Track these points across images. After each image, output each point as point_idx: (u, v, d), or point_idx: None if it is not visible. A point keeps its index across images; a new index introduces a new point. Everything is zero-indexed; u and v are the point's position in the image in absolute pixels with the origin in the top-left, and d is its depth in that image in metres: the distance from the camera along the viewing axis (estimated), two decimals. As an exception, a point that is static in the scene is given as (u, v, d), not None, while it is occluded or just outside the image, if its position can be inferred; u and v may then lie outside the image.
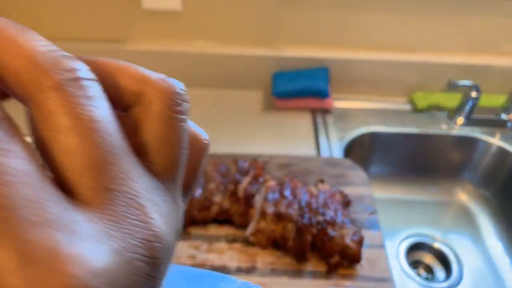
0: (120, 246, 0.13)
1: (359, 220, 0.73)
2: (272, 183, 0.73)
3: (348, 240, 0.64)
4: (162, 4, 0.96)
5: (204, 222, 0.72)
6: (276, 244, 0.68)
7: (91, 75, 0.14)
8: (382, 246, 0.68)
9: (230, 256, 0.67)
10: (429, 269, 0.94)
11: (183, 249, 0.67)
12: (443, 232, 0.99)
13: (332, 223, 0.66)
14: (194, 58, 1.04)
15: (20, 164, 0.12)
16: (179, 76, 1.01)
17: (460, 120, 1.02)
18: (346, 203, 0.74)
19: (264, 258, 0.66)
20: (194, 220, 0.71)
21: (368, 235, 0.69)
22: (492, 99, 1.06)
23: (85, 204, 0.13)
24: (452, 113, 1.03)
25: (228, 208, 0.71)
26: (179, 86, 0.17)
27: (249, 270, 0.65)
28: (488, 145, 1.00)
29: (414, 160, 1.05)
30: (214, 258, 0.66)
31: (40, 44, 0.13)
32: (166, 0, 0.96)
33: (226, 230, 0.71)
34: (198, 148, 0.18)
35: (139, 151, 0.16)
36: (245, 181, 0.73)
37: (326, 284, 0.63)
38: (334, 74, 1.06)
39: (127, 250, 0.13)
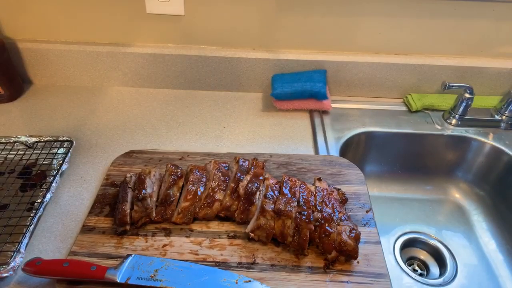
0: None
1: (356, 217, 0.74)
2: (271, 181, 0.74)
3: (345, 237, 0.65)
4: (166, 9, 0.98)
5: (206, 219, 0.73)
6: (275, 240, 0.69)
7: None
8: (378, 243, 0.69)
9: (231, 251, 0.68)
10: (424, 265, 0.96)
11: (185, 245, 0.69)
12: (437, 229, 1.00)
13: (330, 220, 0.67)
14: (196, 61, 1.05)
15: None
16: (182, 78, 1.04)
17: (454, 120, 1.03)
18: (343, 200, 0.75)
19: (264, 254, 0.68)
20: (197, 217, 0.72)
21: (364, 232, 0.71)
22: (485, 100, 1.07)
23: None
24: (447, 114, 1.05)
25: (229, 205, 0.72)
26: None
27: (250, 266, 0.66)
28: (481, 144, 1.01)
29: (409, 159, 1.06)
30: (215, 254, 0.67)
31: None
32: (169, 5, 0.97)
33: (227, 227, 0.72)
34: None
35: None
36: (246, 180, 0.74)
37: (323, 279, 0.64)
38: (332, 76, 1.07)
39: None
